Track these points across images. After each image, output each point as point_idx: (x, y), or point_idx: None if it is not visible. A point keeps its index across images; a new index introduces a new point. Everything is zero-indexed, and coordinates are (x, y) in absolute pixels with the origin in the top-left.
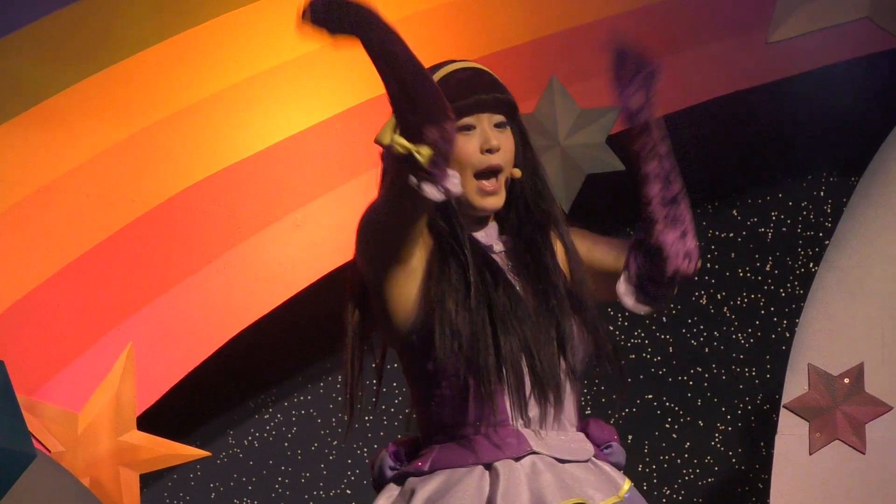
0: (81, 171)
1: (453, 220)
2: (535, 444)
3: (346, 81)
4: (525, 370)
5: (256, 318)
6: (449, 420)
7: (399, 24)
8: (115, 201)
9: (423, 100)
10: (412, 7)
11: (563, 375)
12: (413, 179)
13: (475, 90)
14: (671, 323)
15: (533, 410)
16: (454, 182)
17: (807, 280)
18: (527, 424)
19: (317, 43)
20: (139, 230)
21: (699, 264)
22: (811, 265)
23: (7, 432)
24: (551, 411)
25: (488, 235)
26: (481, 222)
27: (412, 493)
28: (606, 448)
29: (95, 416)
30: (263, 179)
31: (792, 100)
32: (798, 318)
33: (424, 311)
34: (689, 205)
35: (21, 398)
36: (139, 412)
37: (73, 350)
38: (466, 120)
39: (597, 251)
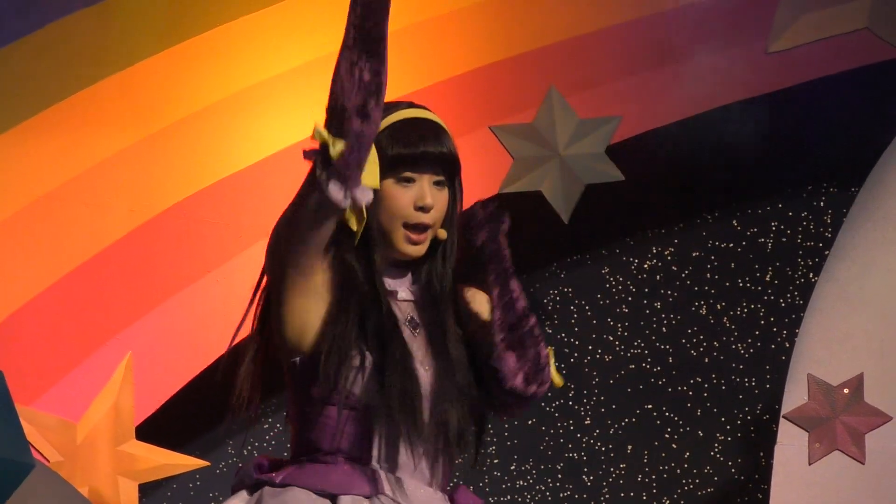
0: (81, 180)
1: (371, 253)
2: (389, 488)
3: None
4: (400, 416)
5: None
6: (317, 443)
7: (399, 35)
8: (114, 211)
9: (364, 92)
10: (410, 18)
11: (430, 432)
12: (321, 173)
13: (424, 143)
14: (671, 333)
15: (402, 457)
16: (365, 193)
17: (806, 290)
18: (391, 469)
19: (317, 53)
20: (139, 239)
21: (544, 388)
22: (811, 276)
23: (6, 442)
24: (420, 464)
25: (397, 281)
26: (396, 266)
27: (258, 501)
28: None
29: (94, 425)
30: (263, 189)
31: (792, 110)
32: (798, 329)
33: (318, 335)
34: (536, 329)
35: (20, 408)
36: (138, 422)
37: (71, 359)
38: (408, 173)
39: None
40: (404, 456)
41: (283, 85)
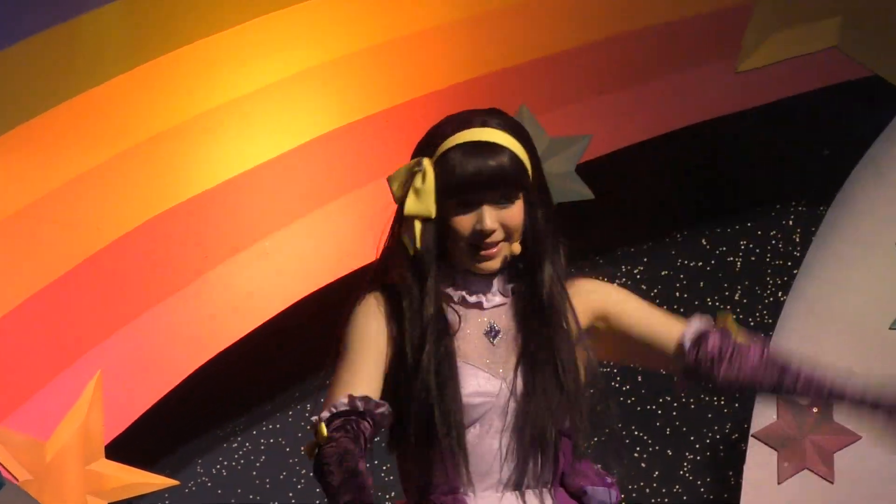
0: (49, 199)
1: (423, 280)
2: None
3: (314, 111)
4: (442, 435)
5: (225, 347)
6: (414, 483)
7: (370, 52)
8: (83, 229)
9: None
10: (380, 36)
11: (520, 439)
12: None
13: (475, 170)
14: None
15: (489, 474)
16: None
17: (776, 309)
18: (477, 488)
19: (285, 73)
20: (107, 258)
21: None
22: (780, 294)
23: None
24: (507, 473)
25: (482, 288)
26: (483, 277)
27: None
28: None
29: (63, 444)
30: (232, 208)
31: (761, 129)
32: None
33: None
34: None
35: None
36: (107, 441)
37: (40, 378)
38: (466, 198)
39: (626, 324)
40: (496, 470)
41: (251, 105)
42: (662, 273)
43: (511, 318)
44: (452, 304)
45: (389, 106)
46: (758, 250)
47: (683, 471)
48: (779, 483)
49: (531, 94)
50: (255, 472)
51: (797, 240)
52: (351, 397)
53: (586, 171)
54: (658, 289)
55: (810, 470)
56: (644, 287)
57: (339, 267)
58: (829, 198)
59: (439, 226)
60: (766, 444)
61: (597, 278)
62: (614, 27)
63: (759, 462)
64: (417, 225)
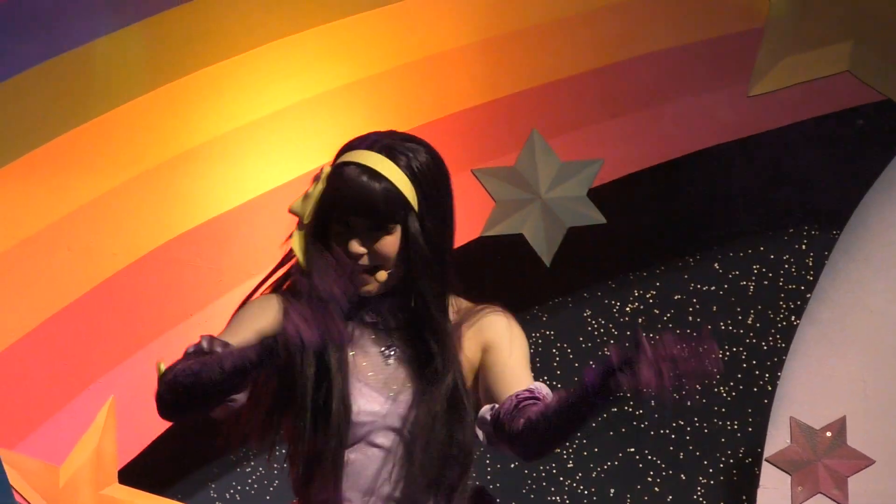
0: (63, 224)
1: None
2: None
3: (330, 134)
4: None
5: None
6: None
7: (380, 79)
8: (97, 254)
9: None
10: (390, 62)
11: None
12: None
13: (349, 193)
14: None
15: (370, 492)
16: None
17: (788, 333)
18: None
19: (298, 97)
20: (121, 283)
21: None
22: (793, 318)
23: None
24: (393, 491)
25: (379, 309)
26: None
27: None
28: None
29: (77, 469)
30: (246, 232)
31: (773, 153)
32: (780, 372)
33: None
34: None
35: (2, 452)
36: (121, 465)
37: (54, 403)
38: (343, 218)
39: (486, 365)
40: (370, 488)
41: (266, 128)
42: (675, 297)
43: (405, 341)
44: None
45: (404, 130)
46: (770, 274)
47: (697, 495)
48: None
49: (543, 118)
50: (268, 497)
51: (810, 264)
52: (196, 345)
53: (598, 195)
54: (670, 313)
55: (824, 494)
56: (656, 312)
57: None
58: (842, 222)
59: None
60: (779, 468)
61: (611, 303)
62: (626, 51)
63: (772, 486)
64: (297, 236)
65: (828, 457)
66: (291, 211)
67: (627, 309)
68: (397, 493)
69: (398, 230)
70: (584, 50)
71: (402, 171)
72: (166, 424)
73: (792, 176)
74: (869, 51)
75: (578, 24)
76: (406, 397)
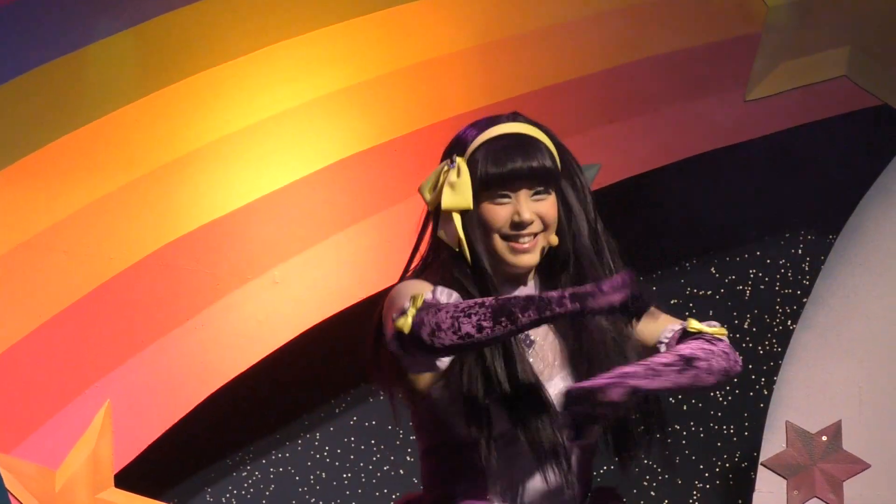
0: (60, 228)
1: (482, 277)
2: None
3: (326, 139)
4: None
5: (234, 376)
6: (438, 480)
7: (376, 84)
8: (93, 258)
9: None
10: (389, 66)
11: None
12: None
13: (512, 159)
14: None
15: (510, 485)
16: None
17: (785, 338)
18: (508, 499)
19: (294, 102)
20: (117, 287)
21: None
22: (789, 323)
23: None
24: (545, 480)
25: (523, 293)
26: (518, 280)
27: None
28: None
29: (73, 473)
30: (242, 236)
31: (769, 157)
32: (776, 376)
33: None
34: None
35: None
36: (117, 470)
37: (50, 407)
38: (502, 190)
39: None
40: (510, 482)
41: (261, 133)
42: (672, 302)
43: (545, 327)
44: None
45: (400, 134)
46: (767, 279)
47: (693, 499)
48: None
49: (541, 122)
50: (264, 501)
51: (806, 268)
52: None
53: (595, 199)
54: None
55: (819, 499)
56: None
57: (349, 296)
58: (839, 226)
59: (473, 223)
60: (775, 472)
61: None
62: (624, 56)
63: (768, 490)
64: (457, 217)
65: (824, 461)
66: (445, 208)
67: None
68: (535, 492)
69: (554, 194)
70: (581, 54)
71: (545, 134)
72: (163, 428)
73: (789, 181)
74: (865, 56)
75: (575, 29)
76: (556, 378)
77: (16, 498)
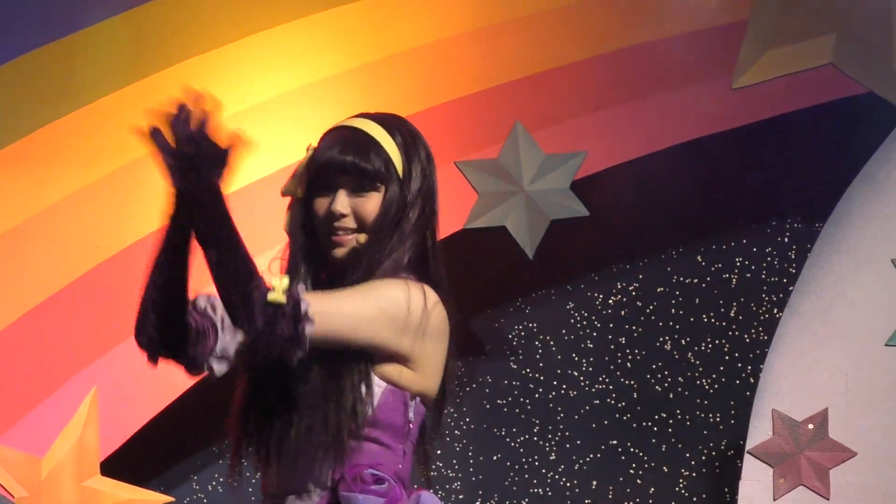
0: (46, 215)
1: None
2: None
3: (313, 126)
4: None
5: None
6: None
7: (363, 71)
8: (80, 246)
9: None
10: (373, 55)
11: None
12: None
13: (341, 152)
14: (636, 369)
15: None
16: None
17: (771, 326)
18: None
19: (283, 88)
20: (104, 275)
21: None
22: (775, 311)
23: None
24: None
25: (338, 285)
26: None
27: None
28: None
29: (59, 461)
30: None
31: (756, 145)
32: (762, 364)
33: None
34: None
35: None
36: (103, 457)
37: (36, 395)
38: (327, 182)
39: None
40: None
41: (251, 119)
42: (658, 290)
43: None
44: None
45: None
46: (753, 267)
47: (679, 487)
48: (774, 499)
49: (527, 110)
50: (250, 489)
51: (793, 256)
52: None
53: (581, 188)
54: (653, 305)
55: (806, 486)
56: (639, 304)
57: None
58: (825, 214)
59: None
60: (761, 460)
61: (594, 295)
62: (610, 44)
63: (754, 478)
64: (287, 216)
65: (810, 449)
66: (284, 193)
67: (610, 301)
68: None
69: (378, 193)
70: (567, 42)
71: (391, 136)
72: (148, 416)
73: (775, 168)
74: (852, 44)
75: (563, 17)
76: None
77: (1, 485)
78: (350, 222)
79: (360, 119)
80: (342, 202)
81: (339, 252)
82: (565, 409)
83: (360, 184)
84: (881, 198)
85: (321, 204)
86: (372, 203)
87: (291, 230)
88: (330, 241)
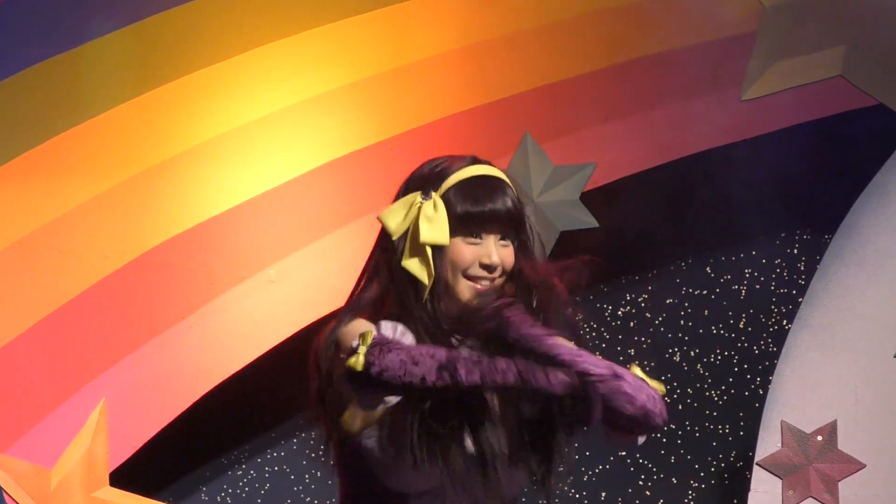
0: (54, 226)
1: (437, 317)
2: None
3: (319, 138)
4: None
5: (230, 374)
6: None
7: (373, 82)
8: (88, 257)
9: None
10: (384, 65)
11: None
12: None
13: (491, 202)
14: None
15: None
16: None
17: (780, 337)
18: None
19: (290, 100)
20: (113, 286)
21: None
22: (784, 322)
23: None
24: None
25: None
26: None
27: None
28: None
29: (68, 472)
30: (237, 235)
31: (765, 157)
32: (771, 376)
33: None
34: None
35: None
36: (112, 468)
37: (45, 406)
38: (476, 230)
39: None
40: None
41: (256, 133)
42: (667, 301)
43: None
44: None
45: (395, 134)
46: (762, 279)
47: (688, 499)
48: None
49: (536, 121)
50: (259, 500)
51: (802, 268)
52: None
53: (591, 199)
54: (662, 317)
55: (815, 498)
56: (648, 315)
57: (345, 295)
58: (834, 226)
59: (440, 259)
60: (770, 472)
61: (603, 306)
62: (619, 56)
63: (763, 490)
64: (429, 251)
65: (819, 461)
66: (423, 242)
67: (619, 313)
68: None
69: (512, 245)
70: (577, 54)
71: (512, 184)
72: (158, 427)
73: (784, 180)
74: (861, 56)
75: (572, 29)
76: (504, 423)
77: (11, 496)
78: (498, 272)
79: (485, 167)
80: (496, 251)
81: (472, 295)
82: None
83: (507, 234)
84: (890, 210)
85: (464, 252)
86: (511, 252)
87: (399, 271)
88: (469, 287)
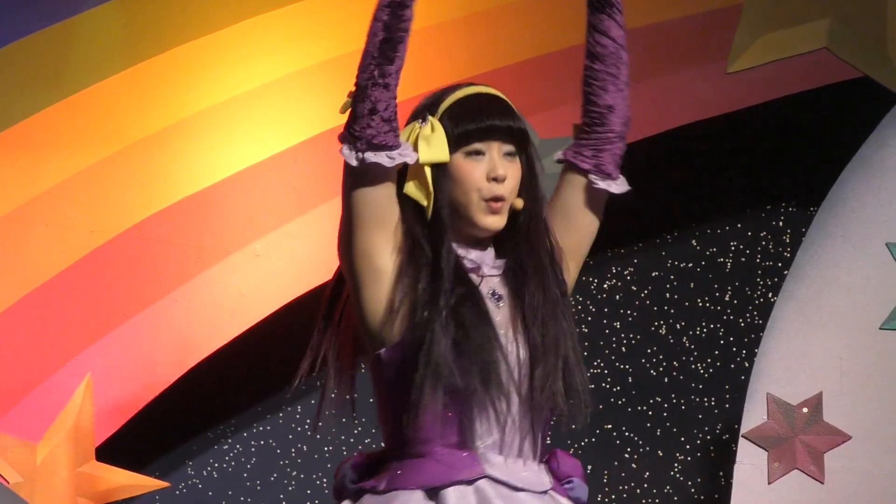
0: (40, 200)
1: (444, 229)
2: (490, 468)
3: (306, 112)
4: (485, 394)
5: (216, 349)
6: (411, 435)
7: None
8: (74, 231)
9: (373, 53)
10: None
11: (527, 405)
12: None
13: (489, 116)
14: (630, 353)
15: (493, 435)
16: (380, 157)
17: (766, 310)
18: (491, 449)
19: (279, 73)
20: (99, 260)
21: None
22: (770, 295)
23: None
24: (511, 438)
25: (480, 257)
26: (479, 243)
27: None
28: (568, 483)
29: (54, 446)
30: (223, 209)
31: (750, 129)
32: (757, 348)
33: (398, 321)
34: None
35: None
36: (98, 442)
37: (31, 380)
38: (477, 145)
39: (574, 229)
40: (500, 433)
41: (242, 106)
42: (652, 274)
43: (507, 288)
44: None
45: None
46: (748, 251)
47: (674, 471)
48: (769, 483)
49: (522, 95)
50: (245, 475)
51: (787, 241)
52: None
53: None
54: (648, 290)
55: (800, 470)
56: (634, 288)
57: (331, 269)
58: (820, 198)
59: (445, 179)
60: (756, 444)
61: (589, 280)
62: None
63: (749, 462)
64: (428, 171)
65: (804, 433)
66: (423, 162)
67: (605, 286)
68: (516, 440)
69: (519, 160)
70: (562, 26)
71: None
72: (144, 401)
73: (769, 153)
74: (846, 28)
75: (557, 1)
76: (525, 338)
77: None
78: (507, 186)
79: (487, 87)
80: (501, 164)
81: (497, 220)
82: None
83: (510, 147)
84: (875, 182)
85: (470, 168)
86: (518, 167)
87: (436, 197)
88: (486, 207)
